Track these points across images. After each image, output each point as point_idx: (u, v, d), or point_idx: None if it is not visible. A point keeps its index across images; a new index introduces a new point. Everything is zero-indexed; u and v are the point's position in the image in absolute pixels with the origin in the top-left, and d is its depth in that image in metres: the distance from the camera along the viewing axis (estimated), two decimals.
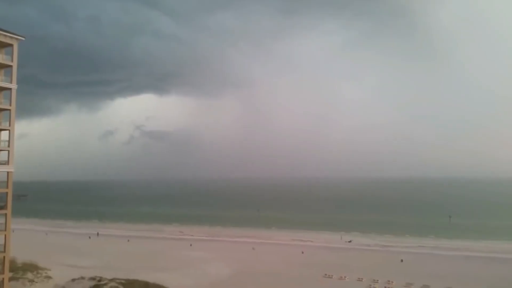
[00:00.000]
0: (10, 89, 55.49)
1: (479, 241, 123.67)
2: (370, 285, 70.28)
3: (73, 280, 66.21)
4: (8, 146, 55.29)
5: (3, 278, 54.56)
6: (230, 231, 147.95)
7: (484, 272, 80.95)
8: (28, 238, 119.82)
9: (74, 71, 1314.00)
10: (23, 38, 56.11)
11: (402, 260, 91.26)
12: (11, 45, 55.23)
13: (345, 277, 74.82)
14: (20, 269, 70.29)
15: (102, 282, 63.59)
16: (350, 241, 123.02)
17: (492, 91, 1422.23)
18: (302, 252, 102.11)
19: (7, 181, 55.42)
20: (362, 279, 73.54)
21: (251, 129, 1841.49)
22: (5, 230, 54.67)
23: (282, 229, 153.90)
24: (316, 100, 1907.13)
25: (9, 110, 55.37)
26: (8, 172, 55.49)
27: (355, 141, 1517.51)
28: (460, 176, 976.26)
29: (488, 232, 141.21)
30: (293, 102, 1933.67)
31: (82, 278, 67.01)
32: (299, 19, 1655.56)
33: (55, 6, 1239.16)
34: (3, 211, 54.90)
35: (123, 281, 63.49)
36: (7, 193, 55.23)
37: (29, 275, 68.59)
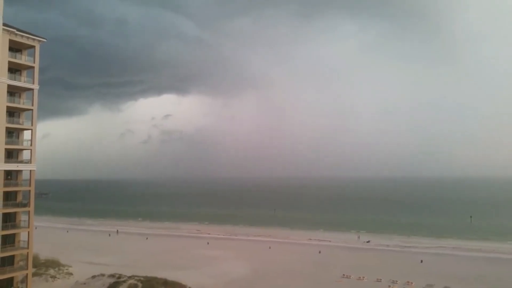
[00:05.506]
0: (32, 89, 56.79)
1: (502, 242, 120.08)
2: (389, 286, 69.11)
3: (93, 277, 67.37)
4: (31, 145, 56.62)
5: (26, 274, 56.04)
6: (246, 230, 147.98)
7: (507, 275, 78.70)
8: (50, 235, 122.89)
9: (99, 72, 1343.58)
10: (44, 40, 57.31)
11: (422, 261, 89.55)
12: (33, 46, 56.54)
13: (363, 277, 73.88)
14: (43, 265, 72.21)
15: (121, 279, 64.46)
16: (368, 241, 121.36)
17: None
18: (320, 252, 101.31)
19: (30, 180, 56.83)
20: (381, 279, 72.50)
21: (268, 129, 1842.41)
22: (28, 227, 56.12)
23: (298, 229, 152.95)
24: (332, 101, 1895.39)
25: (31, 110, 56.67)
26: (30, 171, 56.88)
27: (372, 142, 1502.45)
28: (481, 176, 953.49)
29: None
30: (309, 103, 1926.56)
31: (102, 275, 68.09)
32: (316, 23, 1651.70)
33: (83, 10, 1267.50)
34: (26, 209, 56.35)
35: (142, 278, 64.20)
36: (29, 191, 56.67)
37: (51, 271, 70.39)
